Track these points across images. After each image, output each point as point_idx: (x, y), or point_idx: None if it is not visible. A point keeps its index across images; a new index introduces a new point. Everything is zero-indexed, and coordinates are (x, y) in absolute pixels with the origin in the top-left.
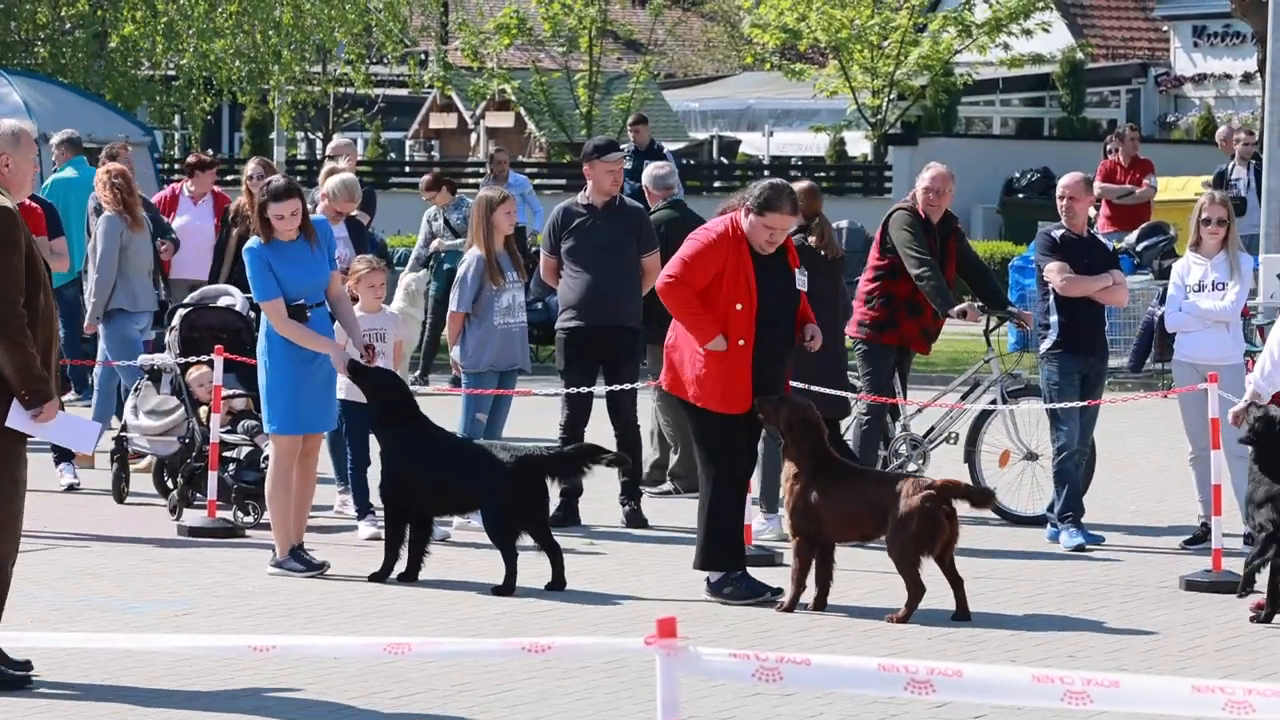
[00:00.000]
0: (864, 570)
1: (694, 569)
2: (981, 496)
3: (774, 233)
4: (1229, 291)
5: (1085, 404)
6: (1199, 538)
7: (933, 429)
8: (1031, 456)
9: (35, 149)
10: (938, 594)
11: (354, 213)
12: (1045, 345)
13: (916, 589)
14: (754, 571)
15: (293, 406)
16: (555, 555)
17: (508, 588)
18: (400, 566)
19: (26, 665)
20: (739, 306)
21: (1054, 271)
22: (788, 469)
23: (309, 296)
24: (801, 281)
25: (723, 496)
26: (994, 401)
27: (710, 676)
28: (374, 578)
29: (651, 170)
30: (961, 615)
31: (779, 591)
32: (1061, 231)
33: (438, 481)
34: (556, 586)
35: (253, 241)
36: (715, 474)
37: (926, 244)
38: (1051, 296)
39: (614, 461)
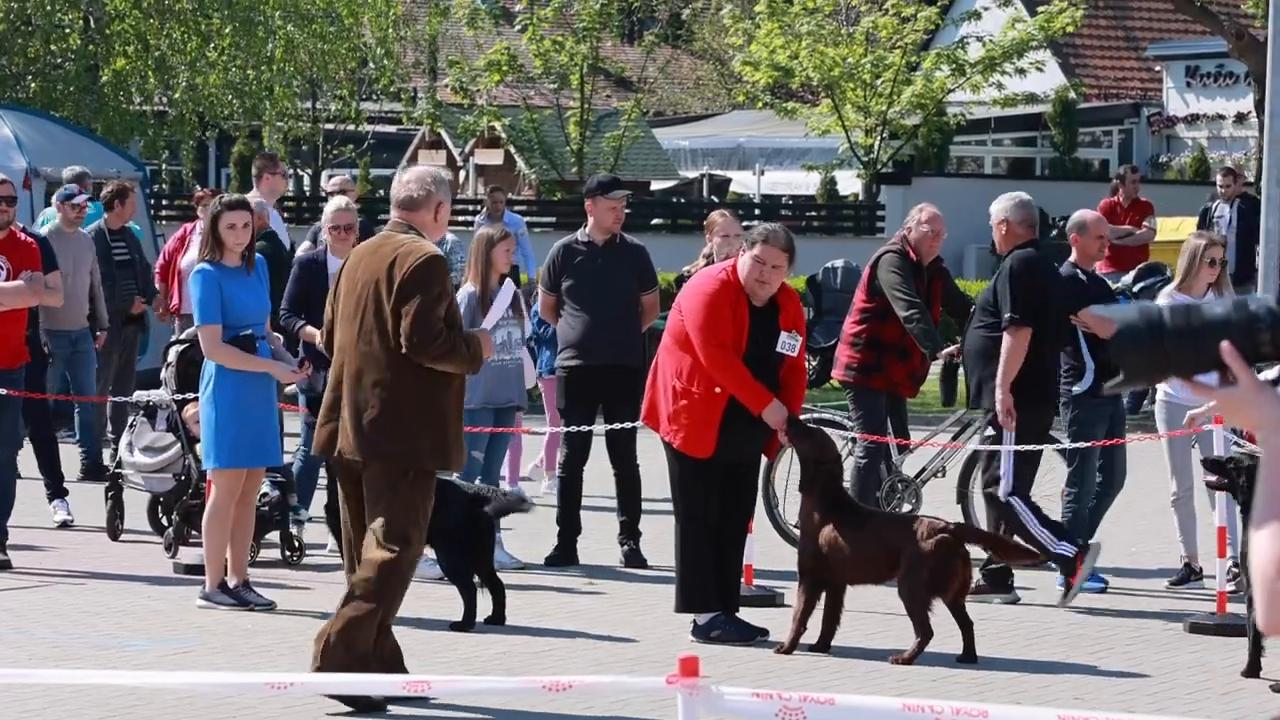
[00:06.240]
0: (866, 611)
1: (675, 612)
2: (1001, 545)
3: (764, 269)
4: None
5: (1093, 444)
6: (1183, 579)
7: (924, 469)
8: None
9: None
10: (940, 635)
11: None
12: (1079, 388)
13: (925, 632)
14: (755, 612)
15: (235, 440)
16: (498, 593)
17: (467, 623)
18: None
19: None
20: None
21: (1092, 314)
22: (802, 504)
23: (256, 326)
24: (791, 346)
25: (691, 538)
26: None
27: (732, 715)
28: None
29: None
30: (968, 658)
31: (765, 633)
32: (1077, 272)
33: None
34: (497, 620)
35: (203, 264)
36: (684, 515)
37: (915, 286)
38: (1085, 339)
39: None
